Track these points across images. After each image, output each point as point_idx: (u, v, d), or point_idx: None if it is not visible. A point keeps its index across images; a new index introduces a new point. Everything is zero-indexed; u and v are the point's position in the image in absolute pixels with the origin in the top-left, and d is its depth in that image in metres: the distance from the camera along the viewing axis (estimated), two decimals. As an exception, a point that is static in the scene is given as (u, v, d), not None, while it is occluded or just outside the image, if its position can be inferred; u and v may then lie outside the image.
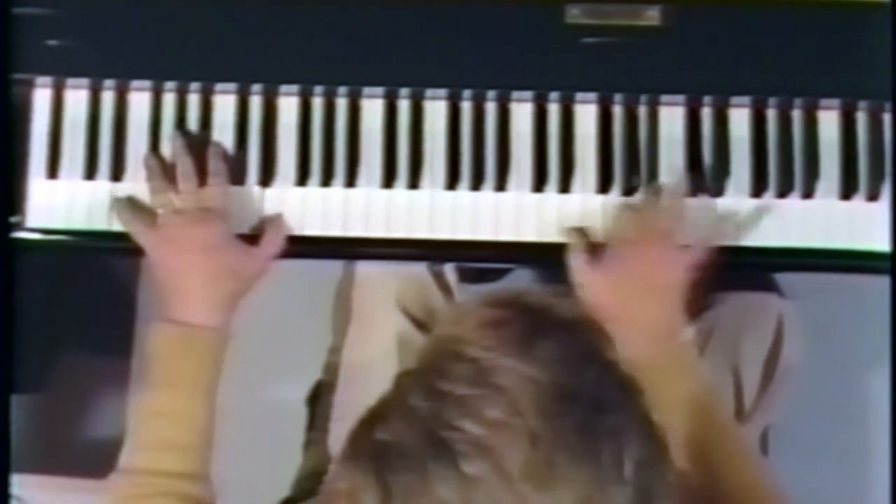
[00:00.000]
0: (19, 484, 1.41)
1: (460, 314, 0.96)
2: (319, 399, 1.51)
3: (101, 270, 1.88)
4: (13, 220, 1.34)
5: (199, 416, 1.25)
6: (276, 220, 1.34)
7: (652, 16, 1.30)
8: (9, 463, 1.29)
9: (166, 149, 1.36)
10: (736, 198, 1.34)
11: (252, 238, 1.33)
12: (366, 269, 1.46)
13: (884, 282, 1.35)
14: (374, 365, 1.42)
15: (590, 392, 0.89)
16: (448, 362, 0.90)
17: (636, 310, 1.23)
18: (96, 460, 1.93)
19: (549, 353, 0.90)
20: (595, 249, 1.29)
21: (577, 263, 1.29)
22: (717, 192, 1.34)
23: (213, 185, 1.33)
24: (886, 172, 1.33)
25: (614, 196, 1.34)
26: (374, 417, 0.92)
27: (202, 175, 1.33)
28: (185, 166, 1.33)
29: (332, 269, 1.51)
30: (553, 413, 0.87)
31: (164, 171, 1.34)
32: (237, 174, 1.35)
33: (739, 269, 1.41)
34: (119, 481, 1.23)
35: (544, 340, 0.91)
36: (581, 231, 1.32)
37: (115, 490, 1.22)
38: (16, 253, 1.33)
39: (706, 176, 1.34)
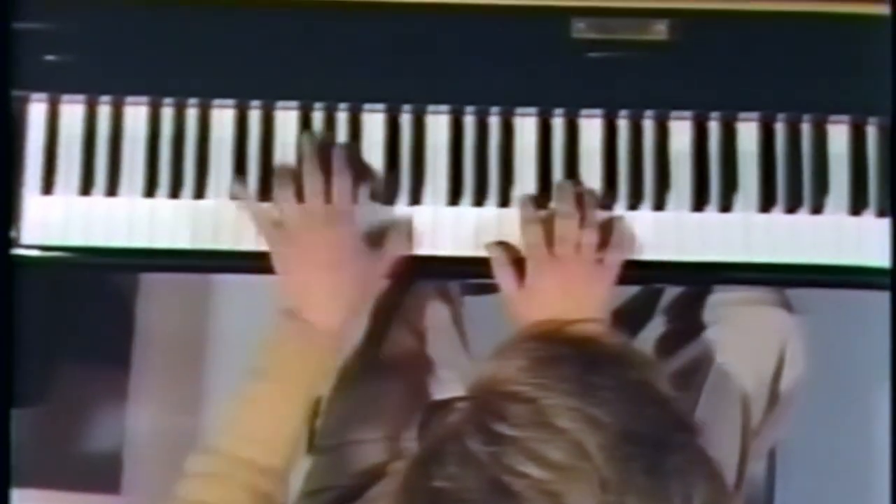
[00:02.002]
0: (19, 499, 1.39)
1: (506, 352, 0.94)
2: (318, 417, 1.49)
3: (100, 285, 1.86)
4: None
5: (296, 417, 1.23)
6: (400, 227, 1.32)
7: (659, 30, 1.28)
8: (9, 477, 1.28)
9: (164, 162, 1.34)
10: (744, 213, 1.32)
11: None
12: None
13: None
14: (378, 382, 1.42)
15: (653, 432, 0.88)
16: (504, 403, 0.88)
17: None
18: (94, 475, 1.93)
19: (607, 390, 0.88)
20: (519, 264, 1.29)
21: (504, 280, 1.29)
22: (725, 207, 1.32)
23: (339, 189, 1.30)
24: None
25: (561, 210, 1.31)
26: (429, 461, 0.89)
27: (328, 180, 1.30)
28: (311, 169, 1.30)
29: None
30: (621, 456, 0.85)
31: (291, 173, 1.31)
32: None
33: (748, 285, 1.40)
34: (199, 459, 1.20)
35: (599, 377, 0.89)
36: (503, 246, 1.31)
37: (192, 466, 1.19)
38: (14, 269, 1.31)
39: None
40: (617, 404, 0.88)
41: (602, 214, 1.31)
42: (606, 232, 1.29)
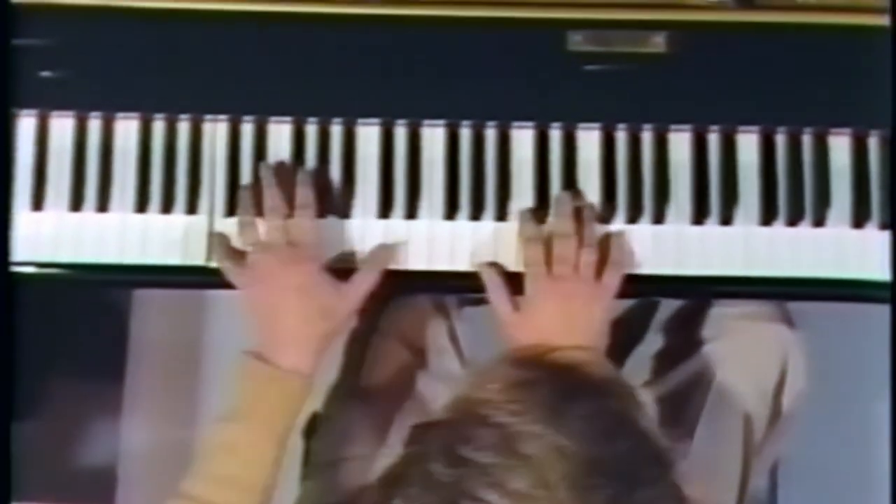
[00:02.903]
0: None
1: (484, 373, 0.92)
2: (315, 432, 1.47)
3: (94, 300, 1.85)
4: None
5: (268, 459, 1.21)
6: (373, 253, 1.30)
7: (658, 42, 1.26)
8: (10, 492, 1.27)
9: (155, 178, 1.32)
10: (745, 226, 1.30)
11: (343, 272, 1.28)
12: None
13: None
14: (375, 399, 1.40)
15: (622, 464, 0.86)
16: (472, 427, 0.87)
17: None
18: (89, 489, 1.92)
19: (580, 420, 0.87)
20: (513, 284, 1.27)
21: (498, 302, 1.27)
22: (726, 220, 1.30)
23: (302, 218, 1.27)
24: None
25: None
26: (394, 480, 0.89)
27: (291, 207, 1.28)
28: (272, 199, 1.28)
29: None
30: (583, 486, 0.84)
31: (255, 205, 1.29)
32: (332, 206, 1.31)
33: (748, 299, 1.38)
34: None
35: (574, 405, 0.88)
36: (497, 266, 1.29)
37: None
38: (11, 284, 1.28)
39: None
40: (587, 434, 0.86)
41: (601, 230, 1.29)
42: (605, 250, 1.27)
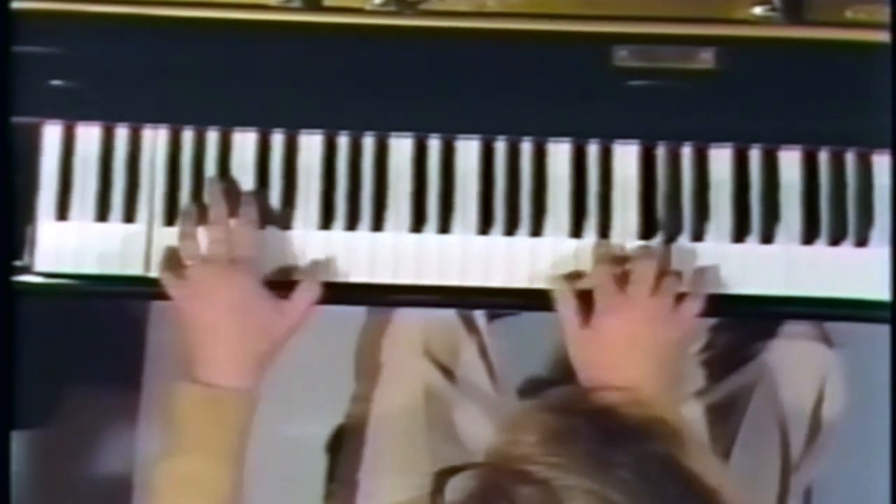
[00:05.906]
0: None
1: (519, 424, 0.88)
2: (341, 448, 1.45)
3: (112, 307, 1.83)
4: (18, 263, 1.27)
5: (226, 484, 1.17)
6: (312, 269, 1.27)
7: (706, 58, 1.23)
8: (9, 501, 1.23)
9: (184, 188, 1.29)
10: (786, 245, 1.27)
11: (287, 284, 1.25)
12: (397, 317, 1.40)
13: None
14: (401, 417, 1.37)
15: None
16: (514, 483, 0.83)
17: (626, 371, 1.17)
18: (105, 499, 1.89)
19: (626, 469, 0.83)
20: (585, 299, 1.22)
21: (566, 317, 1.23)
22: (767, 238, 1.27)
23: (244, 233, 1.25)
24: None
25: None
26: None
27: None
28: (216, 213, 1.26)
29: (354, 314, 1.44)
30: None
31: (198, 218, 1.26)
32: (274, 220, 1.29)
33: (789, 319, 1.37)
34: None
35: (618, 454, 0.84)
36: (569, 278, 1.25)
37: None
38: (21, 297, 1.25)
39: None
40: (635, 484, 0.82)
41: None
42: (692, 281, 1.24)
